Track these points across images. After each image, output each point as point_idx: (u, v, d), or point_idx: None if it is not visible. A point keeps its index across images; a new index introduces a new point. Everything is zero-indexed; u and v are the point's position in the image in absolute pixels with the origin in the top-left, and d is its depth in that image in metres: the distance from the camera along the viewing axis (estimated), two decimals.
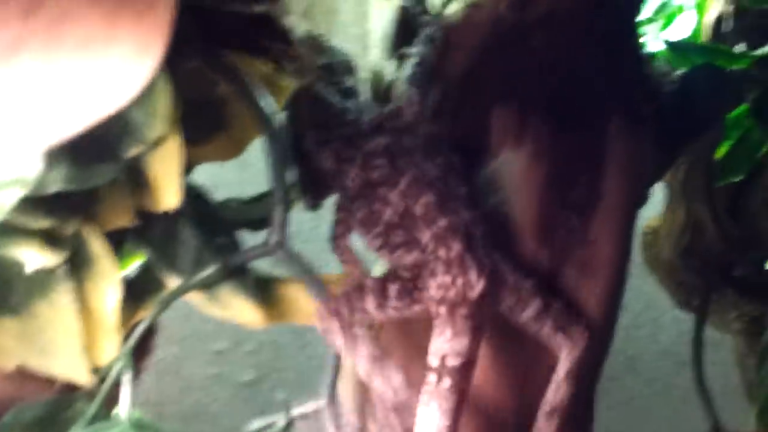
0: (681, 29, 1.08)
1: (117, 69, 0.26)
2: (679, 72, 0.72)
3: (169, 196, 0.47)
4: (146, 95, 0.46)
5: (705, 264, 0.89)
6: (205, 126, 0.56)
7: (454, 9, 0.73)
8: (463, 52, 0.62)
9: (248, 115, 0.55)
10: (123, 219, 0.50)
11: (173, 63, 0.52)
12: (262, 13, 0.58)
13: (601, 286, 0.60)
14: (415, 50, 0.65)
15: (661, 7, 1.10)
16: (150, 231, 0.53)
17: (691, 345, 0.80)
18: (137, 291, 0.57)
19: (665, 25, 1.10)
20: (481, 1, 0.62)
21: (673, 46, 0.75)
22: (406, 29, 0.70)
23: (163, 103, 0.45)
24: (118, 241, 0.54)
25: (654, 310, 1.60)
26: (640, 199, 0.65)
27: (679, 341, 0.98)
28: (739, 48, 0.87)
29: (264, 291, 0.58)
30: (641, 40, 0.68)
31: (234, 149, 0.58)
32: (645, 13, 1.08)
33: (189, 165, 0.58)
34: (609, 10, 0.61)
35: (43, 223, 0.47)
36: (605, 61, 0.61)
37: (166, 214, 0.52)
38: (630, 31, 0.65)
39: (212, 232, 0.56)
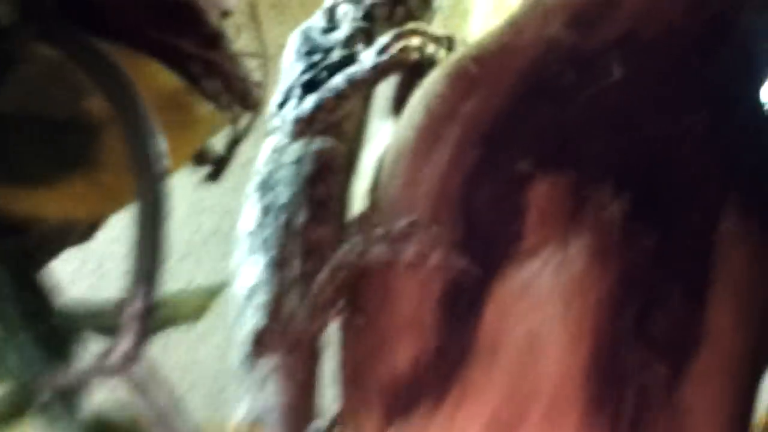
0: None
1: None
2: None
3: None
4: None
5: None
6: (58, 160, 0.38)
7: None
8: (493, 92, 0.43)
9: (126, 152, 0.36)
10: None
11: None
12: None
13: None
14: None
15: None
16: None
17: None
18: None
19: None
20: (522, 20, 0.44)
21: None
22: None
23: None
24: None
25: None
26: None
27: None
28: None
29: None
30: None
31: (102, 202, 0.39)
32: None
33: (24, 220, 0.39)
34: (726, 45, 0.42)
35: None
36: (719, 124, 0.41)
37: None
38: (755, 94, 0.45)
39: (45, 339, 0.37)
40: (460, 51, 0.46)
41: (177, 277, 1.49)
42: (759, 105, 0.45)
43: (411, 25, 0.57)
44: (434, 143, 0.44)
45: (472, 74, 0.43)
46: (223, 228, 1.32)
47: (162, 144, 0.37)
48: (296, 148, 0.54)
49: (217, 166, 0.44)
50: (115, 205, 0.40)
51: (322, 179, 0.51)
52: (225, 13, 0.43)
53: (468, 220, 0.42)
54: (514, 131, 0.42)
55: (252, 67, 0.44)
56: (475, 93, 0.43)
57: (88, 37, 0.37)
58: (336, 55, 0.57)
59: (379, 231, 0.44)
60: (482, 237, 0.42)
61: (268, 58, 0.44)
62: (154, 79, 0.39)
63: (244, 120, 0.45)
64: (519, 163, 0.41)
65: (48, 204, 0.38)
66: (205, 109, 0.41)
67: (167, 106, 0.40)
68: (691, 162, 0.40)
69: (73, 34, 0.36)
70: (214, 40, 0.42)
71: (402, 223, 0.43)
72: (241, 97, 0.43)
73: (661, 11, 0.41)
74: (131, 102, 0.36)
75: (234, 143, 0.44)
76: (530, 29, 0.43)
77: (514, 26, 0.43)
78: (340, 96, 0.55)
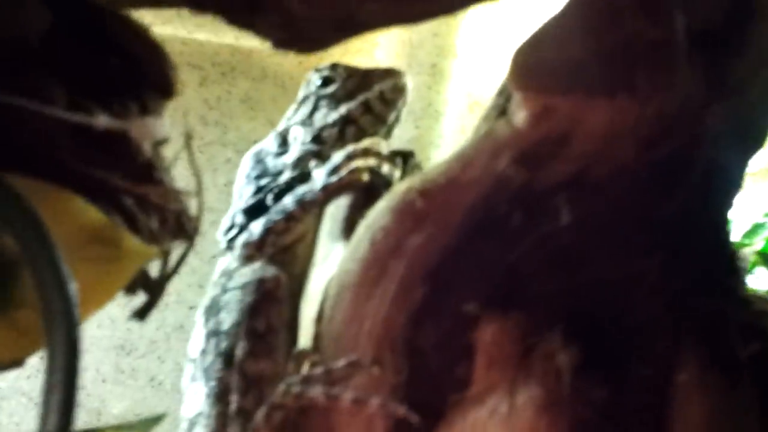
0: None
1: None
2: None
3: None
4: None
5: None
6: None
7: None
8: (439, 227, 0.41)
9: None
10: None
11: None
12: (111, 130, 0.39)
13: None
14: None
15: (754, 229, 0.89)
16: None
17: None
18: None
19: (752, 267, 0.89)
20: (470, 153, 0.42)
21: None
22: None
23: None
24: None
25: None
26: None
27: None
28: None
29: None
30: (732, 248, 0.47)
31: (22, 343, 0.37)
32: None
33: None
34: (683, 184, 0.41)
35: None
36: (674, 267, 0.40)
37: None
38: (719, 227, 0.43)
39: None
40: (405, 182, 0.44)
41: (139, 374, 1.44)
42: (723, 235, 0.44)
43: (365, 144, 0.56)
44: (378, 278, 0.42)
45: (418, 208, 0.42)
46: (187, 324, 1.29)
47: (75, 289, 0.34)
48: (244, 273, 0.53)
49: (146, 303, 0.42)
50: (35, 345, 0.38)
51: (263, 310, 0.49)
52: (160, 143, 0.42)
53: (412, 363, 0.40)
54: (461, 270, 0.40)
55: (187, 196, 0.42)
56: (421, 228, 0.41)
57: None
58: (284, 179, 0.56)
59: (318, 370, 0.42)
60: (427, 381, 0.40)
61: (202, 190, 0.42)
62: (80, 214, 0.37)
63: (177, 251, 0.42)
64: (465, 304, 0.39)
65: None
66: (134, 242, 0.39)
67: (93, 242, 0.38)
68: (644, 308, 0.39)
69: None
70: (147, 172, 0.40)
71: (342, 363, 0.41)
72: (175, 231, 0.41)
73: (613, 152, 0.39)
74: (41, 245, 0.34)
75: (165, 279, 0.42)
76: (479, 164, 0.41)
77: (462, 159, 0.42)
78: (289, 218, 0.53)
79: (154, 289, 0.41)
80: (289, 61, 1.27)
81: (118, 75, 0.42)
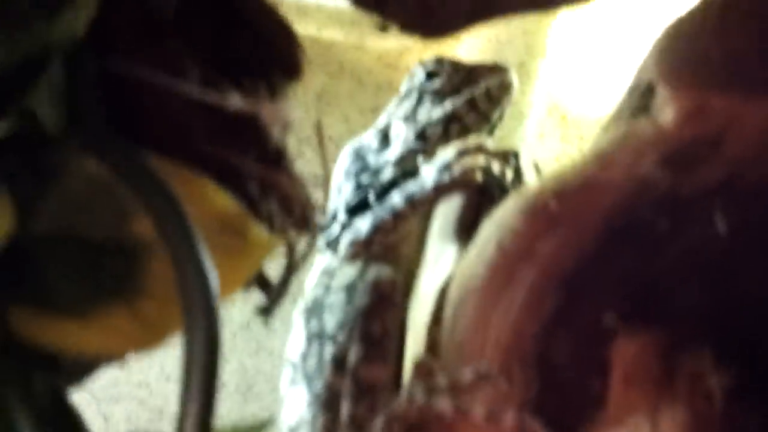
0: None
1: None
2: None
3: None
4: None
5: None
6: (95, 287, 0.34)
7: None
8: (575, 232, 0.39)
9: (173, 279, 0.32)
10: None
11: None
12: (243, 112, 0.38)
13: None
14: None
15: None
16: None
17: None
18: None
19: None
20: (610, 154, 0.40)
21: None
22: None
23: None
24: None
25: None
26: None
27: None
28: None
29: None
30: None
31: (143, 335, 0.35)
32: None
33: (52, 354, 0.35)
34: None
35: None
36: None
37: None
38: None
39: None
40: (536, 183, 0.43)
41: None
42: None
43: (474, 141, 0.54)
44: (506, 284, 0.40)
45: (552, 210, 0.40)
46: (253, 323, 1.28)
47: (215, 274, 0.33)
48: (348, 272, 0.51)
49: (272, 300, 0.40)
50: (157, 337, 0.36)
51: (379, 314, 0.48)
52: (287, 127, 0.40)
53: (543, 376, 0.38)
54: (598, 278, 0.38)
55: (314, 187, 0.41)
56: (555, 232, 0.39)
57: (137, 152, 0.34)
58: (386, 176, 0.54)
59: (442, 381, 0.40)
60: (559, 397, 0.38)
61: (329, 183, 0.41)
62: (210, 200, 0.36)
63: (300, 245, 0.41)
64: (603, 316, 0.37)
65: (81, 337, 0.34)
66: (261, 233, 0.37)
67: (222, 230, 0.36)
68: None
69: (121, 146, 0.33)
70: (276, 158, 0.39)
71: (469, 373, 0.39)
72: (300, 221, 0.39)
73: None
74: (181, 228, 0.33)
75: (289, 272, 0.41)
76: (619, 165, 0.39)
77: (601, 160, 0.40)
78: (398, 216, 0.52)
79: (279, 283, 0.40)
80: (368, 56, 1.26)
81: (248, 53, 0.40)
